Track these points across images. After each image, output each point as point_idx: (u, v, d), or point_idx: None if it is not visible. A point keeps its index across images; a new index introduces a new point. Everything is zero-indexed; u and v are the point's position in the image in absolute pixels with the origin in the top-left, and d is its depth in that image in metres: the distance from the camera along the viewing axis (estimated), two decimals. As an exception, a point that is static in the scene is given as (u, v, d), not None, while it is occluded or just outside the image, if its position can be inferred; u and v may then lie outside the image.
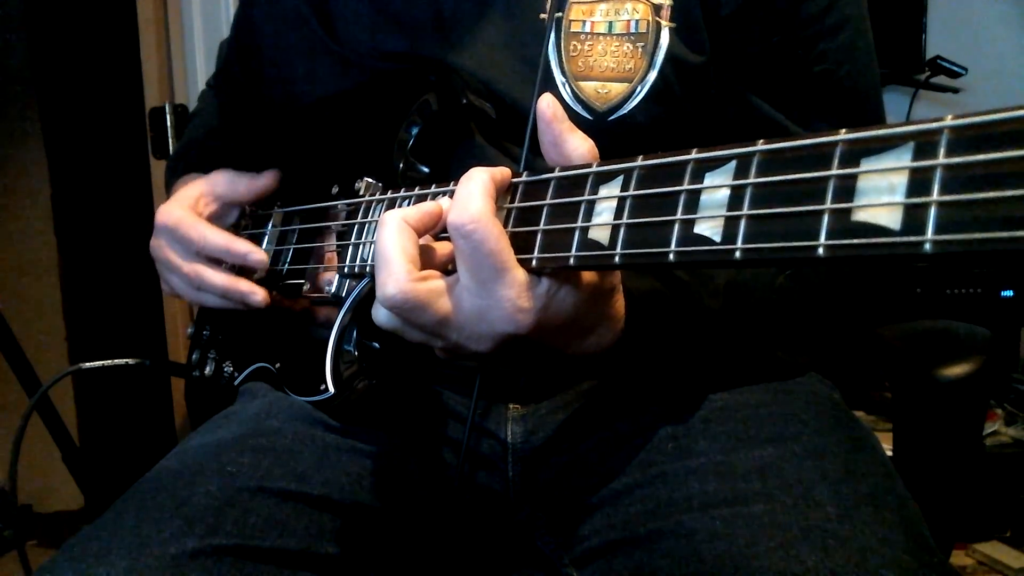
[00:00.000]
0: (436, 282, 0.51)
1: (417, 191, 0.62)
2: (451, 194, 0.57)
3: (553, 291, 0.50)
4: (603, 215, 0.45)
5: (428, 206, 0.53)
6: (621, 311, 0.55)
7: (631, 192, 0.44)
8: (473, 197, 0.48)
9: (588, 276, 0.51)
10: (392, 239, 0.50)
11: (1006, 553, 1.67)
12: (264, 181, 0.80)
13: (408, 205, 0.62)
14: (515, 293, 0.48)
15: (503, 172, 0.52)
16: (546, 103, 0.50)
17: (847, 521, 0.55)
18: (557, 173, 0.49)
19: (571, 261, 0.47)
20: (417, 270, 0.50)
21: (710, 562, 0.55)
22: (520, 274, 0.48)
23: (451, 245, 0.50)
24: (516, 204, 0.51)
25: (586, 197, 0.47)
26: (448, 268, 0.53)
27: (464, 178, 0.50)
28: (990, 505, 1.69)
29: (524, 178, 0.50)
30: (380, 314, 0.53)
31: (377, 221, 0.65)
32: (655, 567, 0.59)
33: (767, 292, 0.67)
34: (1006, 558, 1.65)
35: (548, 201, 0.49)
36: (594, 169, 0.47)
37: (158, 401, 1.80)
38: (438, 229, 0.53)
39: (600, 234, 0.45)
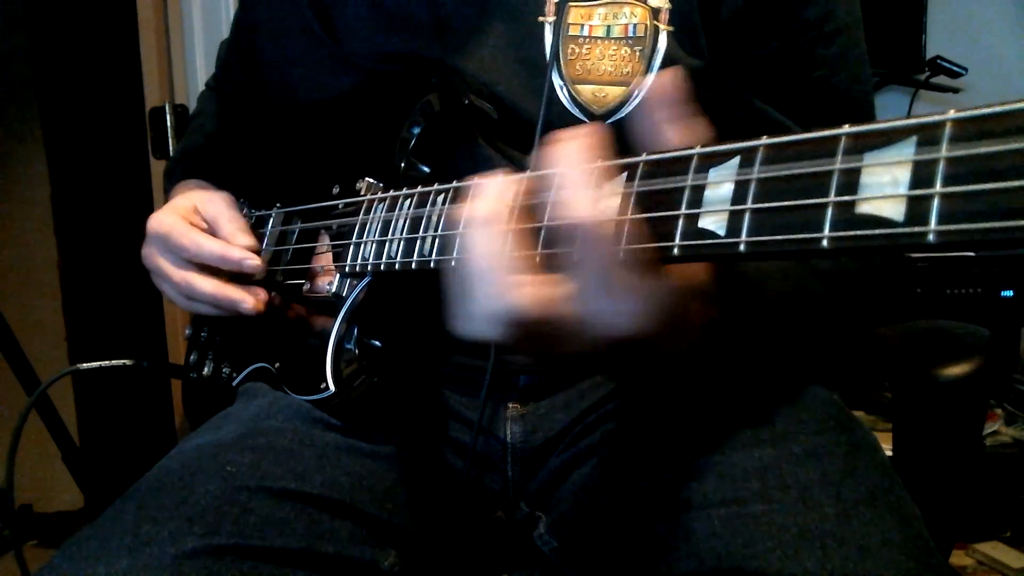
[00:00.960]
0: (549, 288, 0.43)
1: (419, 190, 0.62)
2: (466, 190, 0.55)
3: (665, 291, 0.44)
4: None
5: (508, 191, 0.46)
6: (703, 310, 0.50)
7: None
8: (580, 184, 0.42)
9: (693, 268, 0.46)
10: (492, 247, 0.43)
11: (1006, 553, 1.67)
12: (246, 228, 0.78)
13: (409, 205, 0.62)
14: (636, 294, 0.42)
15: (591, 137, 0.44)
16: (670, 78, 0.44)
17: (846, 522, 0.55)
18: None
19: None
20: (522, 274, 0.44)
21: (709, 562, 0.55)
22: (635, 275, 0.42)
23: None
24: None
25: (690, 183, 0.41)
26: (542, 261, 0.47)
27: (557, 155, 0.44)
28: (990, 505, 1.69)
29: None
30: (483, 330, 0.45)
31: (379, 220, 0.65)
32: (654, 568, 0.59)
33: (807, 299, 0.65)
34: (1006, 558, 1.65)
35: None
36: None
37: (158, 401, 1.79)
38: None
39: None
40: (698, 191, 0.40)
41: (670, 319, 0.44)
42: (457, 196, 0.57)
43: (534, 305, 0.43)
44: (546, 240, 0.46)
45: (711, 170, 0.40)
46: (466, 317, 0.45)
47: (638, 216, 0.42)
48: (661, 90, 0.43)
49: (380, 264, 0.64)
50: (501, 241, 0.44)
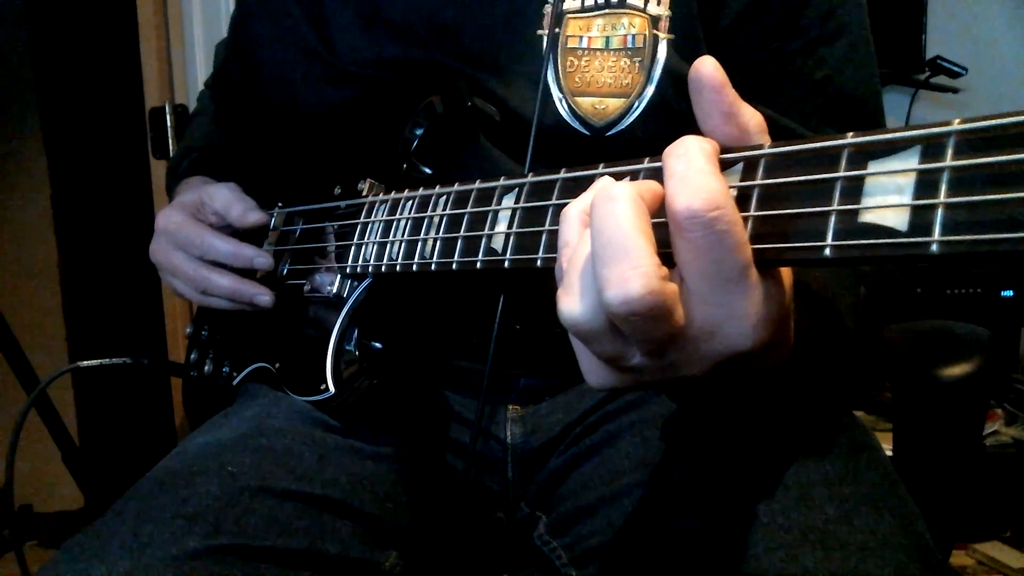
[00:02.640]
0: (673, 285, 0.37)
1: (420, 192, 0.62)
2: (483, 193, 0.53)
3: (780, 294, 0.39)
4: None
5: (649, 183, 0.40)
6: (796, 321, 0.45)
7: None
8: (706, 174, 0.36)
9: (791, 276, 0.41)
10: (631, 219, 0.36)
11: (1006, 553, 1.67)
12: (256, 217, 0.78)
13: (411, 206, 0.62)
14: (758, 298, 0.37)
15: (713, 142, 0.40)
16: (712, 67, 0.39)
17: (846, 522, 0.55)
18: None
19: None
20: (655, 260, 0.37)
21: (709, 563, 0.55)
22: (756, 274, 0.38)
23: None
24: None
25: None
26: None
27: (676, 150, 0.38)
28: (990, 505, 1.69)
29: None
30: (591, 317, 0.38)
31: (380, 222, 0.65)
32: (654, 568, 0.59)
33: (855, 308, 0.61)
34: (1006, 558, 1.65)
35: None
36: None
37: (158, 401, 1.79)
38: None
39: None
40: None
41: (781, 328, 0.40)
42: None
43: (654, 297, 0.36)
44: (663, 238, 0.39)
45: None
46: (578, 298, 0.39)
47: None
48: (717, 68, 0.39)
49: (381, 266, 0.64)
50: (643, 218, 0.37)
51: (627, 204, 0.37)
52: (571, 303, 0.39)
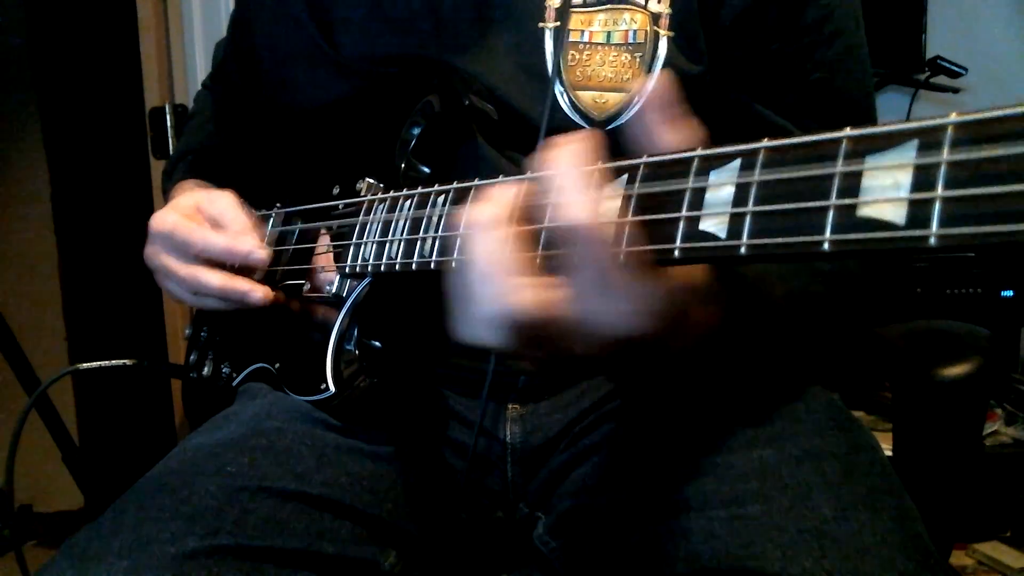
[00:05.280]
0: (549, 291, 0.43)
1: (419, 191, 0.62)
2: (461, 191, 0.55)
3: (663, 291, 0.43)
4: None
5: (508, 194, 0.46)
6: (703, 311, 0.50)
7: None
8: (579, 187, 0.41)
9: (692, 270, 0.46)
10: (493, 250, 0.43)
11: (1006, 553, 1.67)
12: (251, 223, 0.77)
13: (410, 205, 0.62)
14: (633, 294, 0.42)
15: (588, 142, 0.44)
16: (665, 82, 0.43)
17: (844, 523, 0.55)
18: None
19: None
20: (525, 276, 0.43)
21: (707, 563, 0.55)
22: (631, 275, 0.42)
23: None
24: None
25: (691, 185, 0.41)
26: (541, 264, 0.46)
27: (555, 159, 0.43)
28: (990, 505, 1.69)
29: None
30: (484, 334, 0.45)
31: (379, 221, 0.65)
32: (652, 568, 0.59)
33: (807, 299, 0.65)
34: (1006, 558, 1.65)
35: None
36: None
37: (158, 401, 1.80)
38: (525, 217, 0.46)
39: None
40: (699, 193, 0.40)
41: (670, 320, 0.44)
42: (458, 198, 0.57)
43: (534, 307, 0.42)
44: (546, 243, 0.46)
45: (712, 172, 0.40)
46: (467, 322, 0.45)
47: (638, 218, 0.42)
48: (657, 94, 0.43)
49: (380, 265, 0.64)
50: (502, 244, 0.44)
51: (488, 239, 0.44)
52: (464, 325, 0.46)
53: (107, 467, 1.79)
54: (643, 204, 0.42)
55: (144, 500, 0.61)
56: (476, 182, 0.55)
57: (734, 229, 0.38)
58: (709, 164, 0.40)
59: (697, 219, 0.40)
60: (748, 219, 0.38)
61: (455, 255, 0.54)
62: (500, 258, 0.43)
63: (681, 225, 0.40)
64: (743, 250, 0.38)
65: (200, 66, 1.65)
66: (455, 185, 0.58)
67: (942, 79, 2.04)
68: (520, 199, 0.47)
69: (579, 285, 0.42)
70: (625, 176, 0.43)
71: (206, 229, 0.75)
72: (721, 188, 0.39)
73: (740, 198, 0.38)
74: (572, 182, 0.42)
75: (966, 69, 2.00)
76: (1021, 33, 2.09)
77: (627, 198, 0.43)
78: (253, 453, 0.66)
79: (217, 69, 1.03)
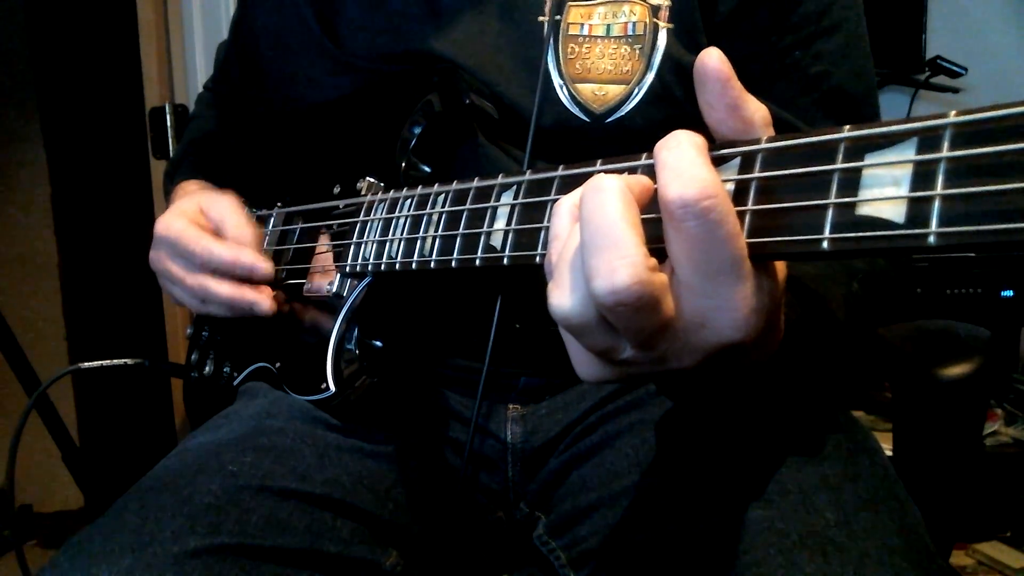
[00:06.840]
0: (662, 275, 0.37)
1: (420, 190, 0.62)
2: (481, 190, 0.53)
3: (773, 287, 0.39)
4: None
5: (640, 177, 0.40)
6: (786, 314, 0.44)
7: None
8: (698, 164, 0.36)
9: (784, 269, 0.42)
10: (619, 210, 0.36)
11: (1006, 553, 1.67)
12: (252, 231, 0.76)
13: (410, 205, 0.62)
14: (750, 290, 0.37)
15: (701, 137, 0.39)
16: (718, 59, 0.40)
17: (846, 527, 0.55)
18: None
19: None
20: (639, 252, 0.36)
21: (708, 567, 0.55)
22: (750, 266, 0.37)
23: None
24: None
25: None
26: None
27: (668, 143, 0.38)
28: (990, 505, 1.69)
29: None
30: (581, 309, 0.38)
31: (379, 220, 0.65)
32: (651, 570, 0.59)
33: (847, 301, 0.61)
34: (1006, 558, 1.65)
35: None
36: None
37: (158, 401, 1.80)
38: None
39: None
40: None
41: (771, 322, 0.40)
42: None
43: (641, 287, 0.35)
44: (657, 233, 0.39)
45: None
46: (568, 291, 0.39)
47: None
48: (723, 61, 0.39)
49: (380, 264, 0.64)
50: (632, 209, 0.37)
51: (615, 195, 0.37)
52: (561, 296, 0.39)
53: (107, 467, 1.79)
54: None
55: (145, 499, 0.61)
56: (475, 181, 0.55)
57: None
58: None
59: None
60: (747, 217, 0.37)
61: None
62: (628, 219, 0.36)
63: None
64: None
65: (200, 66, 1.65)
66: (455, 185, 0.58)
67: (942, 79, 2.04)
68: (646, 178, 0.41)
69: (679, 275, 0.37)
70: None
71: (209, 239, 0.74)
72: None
73: (740, 196, 0.38)
74: (688, 156, 0.37)
75: (966, 69, 2.00)
76: (1021, 33, 2.09)
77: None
78: (254, 452, 0.66)
79: (218, 70, 1.03)
